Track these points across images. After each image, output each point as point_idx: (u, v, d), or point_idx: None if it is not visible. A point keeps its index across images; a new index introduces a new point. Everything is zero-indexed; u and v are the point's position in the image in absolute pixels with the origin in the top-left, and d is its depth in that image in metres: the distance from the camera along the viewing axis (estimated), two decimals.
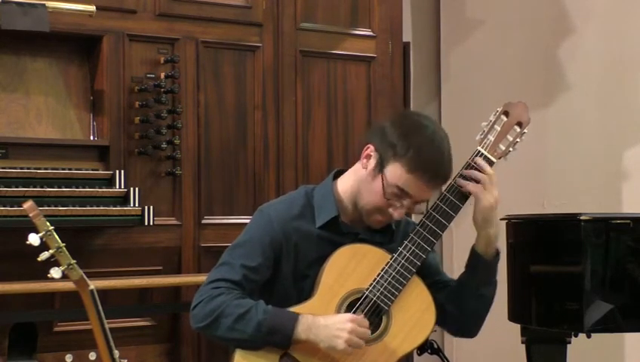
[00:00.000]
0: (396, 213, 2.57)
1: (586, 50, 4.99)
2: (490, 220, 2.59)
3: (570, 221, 3.55)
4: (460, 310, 2.64)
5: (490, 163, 2.61)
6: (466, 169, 2.61)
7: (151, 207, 3.88)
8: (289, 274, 2.61)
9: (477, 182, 2.57)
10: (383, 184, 2.54)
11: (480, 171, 2.58)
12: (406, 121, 2.61)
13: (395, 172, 2.54)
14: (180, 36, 4.17)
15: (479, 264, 2.62)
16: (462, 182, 2.58)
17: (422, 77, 5.58)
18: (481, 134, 2.63)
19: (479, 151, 2.61)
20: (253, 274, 2.57)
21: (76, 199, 3.78)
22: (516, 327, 3.81)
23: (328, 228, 2.63)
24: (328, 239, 2.62)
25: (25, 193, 3.65)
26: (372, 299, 2.55)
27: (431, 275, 2.67)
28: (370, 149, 2.59)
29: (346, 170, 2.72)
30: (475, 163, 2.59)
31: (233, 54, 4.32)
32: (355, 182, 2.63)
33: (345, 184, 2.67)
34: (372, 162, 2.58)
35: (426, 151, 2.52)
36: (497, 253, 2.64)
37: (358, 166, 2.65)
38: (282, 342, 2.49)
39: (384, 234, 2.69)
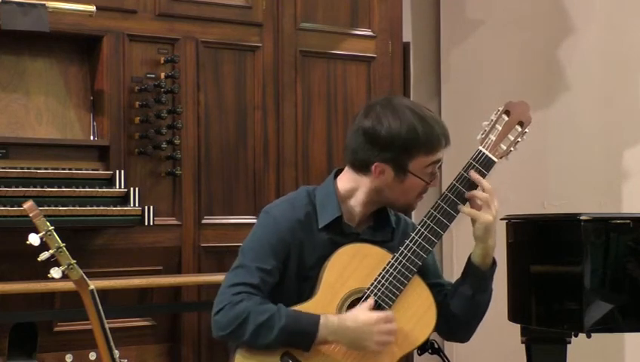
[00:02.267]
0: (435, 182, 2.62)
1: (586, 50, 4.99)
2: (490, 232, 2.59)
3: (570, 221, 3.55)
4: (454, 315, 2.64)
5: (492, 162, 2.60)
6: (467, 170, 2.60)
7: (151, 207, 3.88)
8: (293, 274, 2.61)
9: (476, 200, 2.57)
10: (419, 178, 2.57)
11: (478, 186, 2.58)
12: (387, 117, 2.57)
13: (420, 163, 2.56)
14: (179, 36, 4.17)
15: (475, 274, 2.62)
16: (461, 207, 2.57)
17: (422, 77, 5.58)
18: (483, 133, 2.62)
19: (480, 151, 2.61)
20: (268, 277, 2.57)
21: (76, 199, 3.78)
22: (516, 327, 3.81)
23: (331, 229, 2.62)
24: (330, 240, 2.61)
25: (25, 193, 3.65)
26: (373, 298, 2.54)
27: (429, 277, 2.67)
28: (380, 166, 2.57)
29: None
30: (471, 178, 2.58)
31: (233, 54, 4.32)
32: (372, 192, 2.61)
33: (348, 188, 2.65)
34: (389, 173, 2.57)
35: (427, 128, 2.55)
36: (494, 263, 2.64)
37: (362, 178, 2.62)
38: (305, 344, 2.51)
39: (385, 233, 2.69)
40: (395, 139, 2.54)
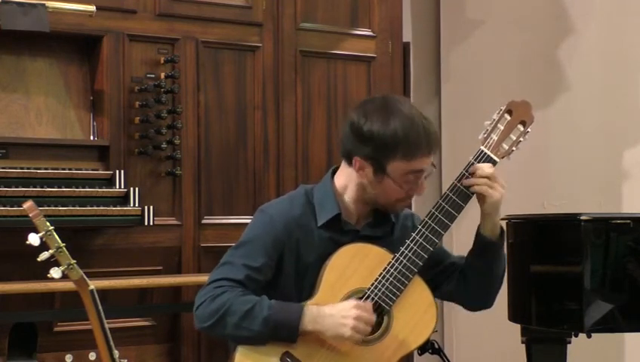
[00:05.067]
0: (417, 192, 2.60)
1: (586, 50, 4.99)
2: (498, 209, 2.61)
3: (570, 221, 3.55)
4: (476, 286, 2.66)
5: (494, 162, 2.60)
6: (468, 170, 2.60)
7: (151, 207, 3.88)
8: (290, 274, 2.61)
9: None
10: (397, 183, 2.55)
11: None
12: (375, 115, 2.55)
13: (398, 168, 2.54)
14: (179, 36, 4.17)
15: (488, 245, 2.63)
16: (469, 182, 2.58)
17: (422, 77, 5.58)
18: (484, 133, 2.62)
19: (482, 151, 2.60)
20: (255, 274, 2.57)
21: (76, 199, 3.78)
22: (516, 327, 3.81)
23: (329, 227, 2.62)
24: (329, 238, 2.62)
25: (25, 193, 3.65)
26: (373, 298, 2.54)
27: (442, 261, 2.70)
28: (360, 161, 2.57)
29: None
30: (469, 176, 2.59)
31: (233, 54, 4.32)
32: (358, 187, 2.62)
33: (343, 184, 2.66)
34: (369, 170, 2.57)
35: (412, 134, 2.52)
36: (502, 232, 2.66)
37: (352, 172, 2.62)
38: (289, 335, 2.49)
39: (384, 228, 2.69)
40: (374, 136, 2.53)
